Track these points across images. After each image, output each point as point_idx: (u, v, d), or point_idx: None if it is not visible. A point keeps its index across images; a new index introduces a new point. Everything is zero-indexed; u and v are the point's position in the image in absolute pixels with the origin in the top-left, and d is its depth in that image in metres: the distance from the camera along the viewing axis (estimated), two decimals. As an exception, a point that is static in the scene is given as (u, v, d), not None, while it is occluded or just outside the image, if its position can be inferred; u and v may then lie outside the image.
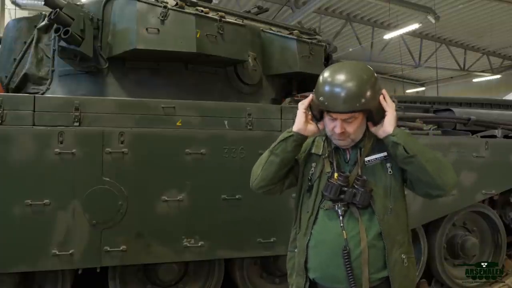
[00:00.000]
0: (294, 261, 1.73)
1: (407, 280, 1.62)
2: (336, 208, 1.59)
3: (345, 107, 1.53)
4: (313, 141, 1.78)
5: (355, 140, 1.64)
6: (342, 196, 1.57)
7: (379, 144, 1.69)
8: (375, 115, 1.61)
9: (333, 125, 1.60)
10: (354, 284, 1.53)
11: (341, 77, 1.56)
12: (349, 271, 1.53)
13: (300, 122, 1.66)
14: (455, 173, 1.60)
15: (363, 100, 1.53)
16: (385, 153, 1.65)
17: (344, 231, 1.56)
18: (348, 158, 1.68)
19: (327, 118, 1.63)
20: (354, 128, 1.60)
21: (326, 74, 1.61)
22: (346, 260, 1.54)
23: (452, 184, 1.59)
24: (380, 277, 1.58)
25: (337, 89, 1.54)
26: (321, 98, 1.58)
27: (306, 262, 1.65)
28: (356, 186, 1.57)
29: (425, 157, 1.54)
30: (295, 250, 1.73)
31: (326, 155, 1.69)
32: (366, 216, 1.59)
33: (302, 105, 1.68)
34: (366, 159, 1.65)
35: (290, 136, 1.67)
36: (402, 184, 1.67)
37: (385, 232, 1.58)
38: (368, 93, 1.54)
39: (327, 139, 1.73)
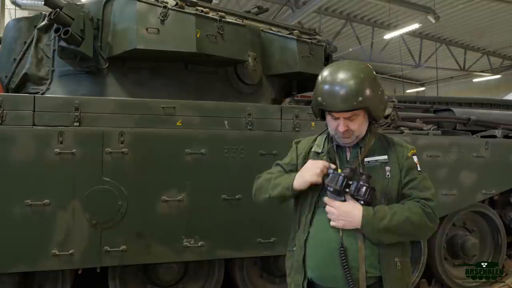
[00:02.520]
0: (293, 260, 1.73)
1: (401, 282, 1.61)
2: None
3: (343, 106, 1.55)
4: (314, 140, 1.78)
5: (359, 137, 1.65)
6: (347, 189, 1.55)
7: (381, 144, 1.70)
8: (374, 113, 1.63)
9: (336, 124, 1.62)
10: (352, 282, 1.52)
11: (338, 77, 1.58)
12: (346, 269, 1.53)
13: (307, 183, 1.62)
14: (430, 223, 1.58)
15: (360, 99, 1.54)
16: (386, 157, 1.66)
17: (340, 229, 1.57)
18: (347, 157, 1.68)
19: (329, 117, 1.65)
20: (357, 125, 1.61)
21: (324, 74, 1.63)
22: (343, 257, 1.54)
23: (429, 234, 1.66)
24: (375, 276, 1.57)
25: (335, 89, 1.56)
26: (319, 99, 1.61)
27: (304, 259, 1.65)
28: (361, 182, 1.56)
29: (384, 235, 1.56)
30: (294, 249, 1.72)
31: (325, 152, 1.69)
32: None
33: (318, 170, 1.60)
34: (366, 159, 1.65)
35: (291, 193, 1.68)
36: (398, 188, 1.65)
37: None
38: (366, 92, 1.56)
39: (328, 137, 1.74)
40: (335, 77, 1.58)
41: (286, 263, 1.79)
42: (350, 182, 1.56)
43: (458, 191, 3.43)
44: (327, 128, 1.73)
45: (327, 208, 1.59)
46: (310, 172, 1.61)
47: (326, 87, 1.59)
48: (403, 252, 1.65)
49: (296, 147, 1.83)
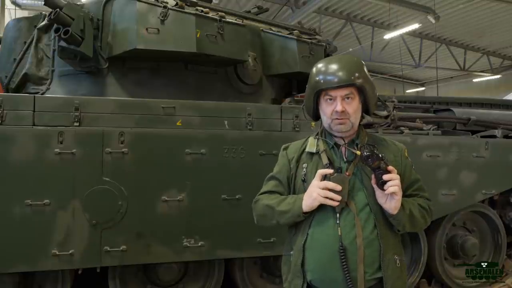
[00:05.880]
0: (289, 264, 1.70)
1: (400, 281, 1.61)
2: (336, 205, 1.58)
3: (342, 80, 1.58)
4: (304, 142, 1.77)
5: (354, 125, 1.65)
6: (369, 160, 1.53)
7: (374, 141, 1.70)
8: (370, 99, 1.65)
9: (332, 108, 1.62)
10: (350, 283, 1.52)
11: (334, 60, 1.67)
12: (346, 270, 1.52)
13: (315, 205, 1.58)
14: (428, 218, 1.70)
15: (357, 74, 1.60)
16: (382, 154, 1.65)
17: (339, 228, 1.55)
18: (344, 155, 1.67)
19: (324, 105, 1.64)
20: (353, 109, 1.62)
21: (318, 64, 1.69)
22: (343, 258, 1.52)
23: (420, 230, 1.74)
24: (375, 278, 1.57)
25: (332, 67, 1.62)
26: (317, 79, 1.63)
27: (303, 263, 1.63)
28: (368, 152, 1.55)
29: (408, 222, 1.62)
30: (291, 253, 1.70)
31: (323, 149, 1.67)
32: (363, 214, 1.59)
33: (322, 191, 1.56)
34: None
35: (303, 217, 1.63)
36: None
37: (381, 231, 1.58)
38: (361, 70, 1.62)
39: (320, 137, 1.73)
40: (331, 61, 1.65)
41: (282, 269, 1.76)
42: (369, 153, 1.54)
43: (458, 191, 3.43)
44: (318, 132, 1.75)
45: (392, 182, 1.53)
46: (318, 193, 1.56)
47: (324, 68, 1.63)
48: (400, 250, 1.66)
49: (286, 152, 1.79)
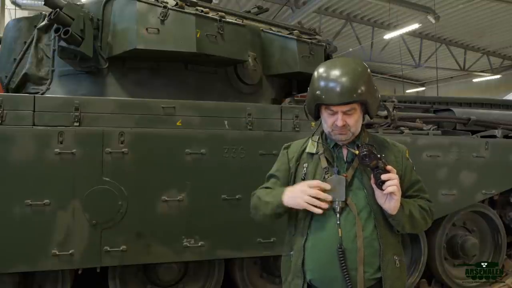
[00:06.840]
0: (289, 264, 1.70)
1: (399, 282, 1.61)
2: (335, 205, 1.57)
3: (343, 99, 1.54)
4: (305, 142, 1.77)
5: (355, 134, 1.64)
6: (367, 159, 1.52)
7: (375, 142, 1.69)
8: (371, 108, 1.63)
9: (333, 120, 1.60)
10: (350, 284, 1.52)
11: (336, 70, 1.58)
12: (345, 271, 1.52)
13: (300, 207, 1.58)
14: (428, 220, 1.68)
15: (359, 91, 1.54)
16: (383, 155, 1.65)
17: (339, 229, 1.55)
18: (344, 155, 1.67)
19: (325, 114, 1.63)
20: (354, 120, 1.60)
21: (320, 69, 1.63)
22: (341, 259, 1.52)
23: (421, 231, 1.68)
24: (374, 278, 1.57)
25: (334, 82, 1.55)
26: (317, 92, 1.59)
27: (303, 263, 1.63)
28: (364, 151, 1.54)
29: (408, 223, 1.61)
30: (291, 253, 1.70)
31: (322, 152, 1.68)
32: (363, 214, 1.58)
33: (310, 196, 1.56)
34: None
35: (283, 209, 1.64)
36: None
37: (381, 231, 1.58)
38: (364, 84, 1.56)
39: (321, 138, 1.73)
40: (333, 71, 1.58)
41: (282, 268, 1.76)
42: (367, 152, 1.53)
43: (458, 191, 3.43)
44: (317, 129, 1.74)
45: (390, 182, 1.51)
46: (302, 199, 1.56)
47: (325, 81, 1.58)
48: (399, 251, 1.66)
49: (287, 152, 1.80)
